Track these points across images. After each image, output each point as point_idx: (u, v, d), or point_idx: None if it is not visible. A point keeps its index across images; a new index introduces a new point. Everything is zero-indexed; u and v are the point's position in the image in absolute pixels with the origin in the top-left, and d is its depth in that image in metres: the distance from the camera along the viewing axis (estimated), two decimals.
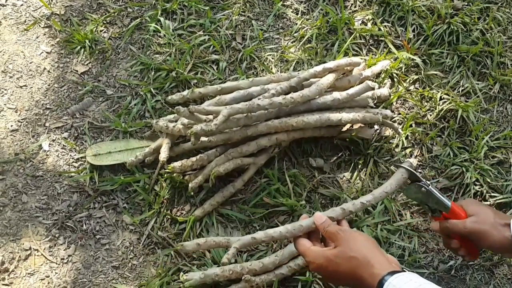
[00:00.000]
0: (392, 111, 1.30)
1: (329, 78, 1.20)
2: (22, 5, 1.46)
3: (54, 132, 1.27)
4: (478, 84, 1.34)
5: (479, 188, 1.20)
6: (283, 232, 0.94)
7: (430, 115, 1.30)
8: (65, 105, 1.31)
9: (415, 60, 1.35)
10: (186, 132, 1.11)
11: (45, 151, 1.24)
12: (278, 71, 1.36)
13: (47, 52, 1.38)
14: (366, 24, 1.43)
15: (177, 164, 1.15)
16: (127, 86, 1.34)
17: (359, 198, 0.99)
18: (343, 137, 1.25)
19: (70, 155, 1.24)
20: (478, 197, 1.19)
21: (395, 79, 1.34)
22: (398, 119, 1.30)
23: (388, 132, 1.27)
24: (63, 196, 1.19)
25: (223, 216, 1.17)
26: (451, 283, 1.11)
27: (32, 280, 1.10)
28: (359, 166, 1.23)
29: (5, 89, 1.32)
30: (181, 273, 1.05)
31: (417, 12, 1.43)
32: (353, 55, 1.37)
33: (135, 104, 1.30)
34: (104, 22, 1.43)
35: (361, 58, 1.32)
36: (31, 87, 1.33)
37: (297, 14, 1.46)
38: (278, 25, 1.44)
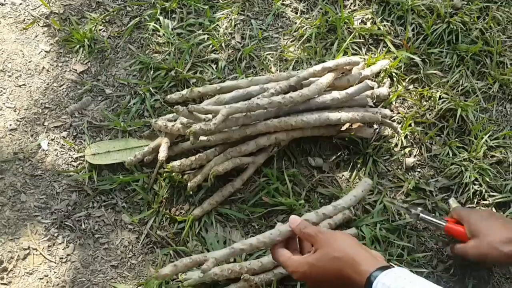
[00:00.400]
0: (391, 111, 1.30)
1: (329, 77, 1.20)
2: (21, 4, 1.46)
3: (53, 131, 1.27)
4: (477, 83, 1.34)
5: (478, 188, 1.20)
6: (260, 239, 0.92)
7: (429, 114, 1.30)
8: (64, 104, 1.30)
9: (415, 59, 1.35)
10: (185, 131, 1.11)
11: (44, 150, 1.24)
12: (277, 70, 1.36)
13: (46, 51, 1.38)
14: (365, 23, 1.43)
15: (176, 163, 1.15)
16: (126, 85, 1.33)
17: (331, 203, 1.01)
18: (342, 137, 1.25)
19: (69, 154, 1.24)
20: (477, 196, 1.19)
21: (394, 79, 1.34)
22: (397, 119, 1.30)
23: (387, 131, 1.27)
24: (62, 196, 1.19)
25: (222, 215, 1.17)
26: (450, 282, 1.11)
27: (31, 280, 1.10)
28: (358, 166, 1.23)
29: (4, 88, 1.32)
30: (180, 273, 1.05)
31: (416, 11, 1.43)
32: (353, 54, 1.37)
33: (134, 103, 1.30)
34: (103, 21, 1.43)
35: (361, 57, 1.32)
36: (30, 86, 1.33)
37: (296, 13, 1.46)
38: (277, 24, 1.44)
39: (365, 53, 1.38)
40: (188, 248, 1.12)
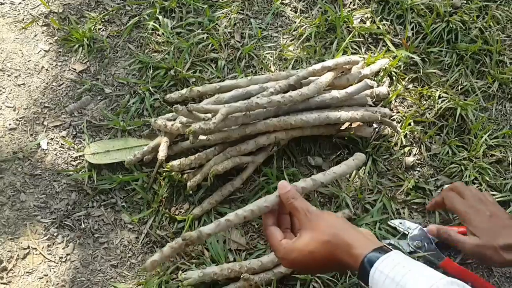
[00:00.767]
0: (391, 110, 1.30)
1: (328, 76, 1.20)
2: (20, 3, 1.46)
3: (52, 131, 1.27)
4: (477, 82, 1.34)
5: (478, 187, 1.20)
6: (247, 208, 0.86)
7: (429, 113, 1.30)
8: (63, 103, 1.30)
9: (414, 58, 1.35)
10: (185, 131, 1.11)
11: (43, 149, 1.24)
12: (276, 69, 1.36)
13: (45, 51, 1.38)
14: (365, 22, 1.43)
15: (175, 162, 1.15)
16: (125, 85, 1.33)
17: (324, 172, 0.92)
18: (341, 136, 1.25)
19: (69, 154, 1.24)
20: None
21: (394, 78, 1.34)
22: (397, 118, 1.30)
23: (387, 130, 1.27)
24: (61, 195, 1.19)
25: (221, 214, 1.17)
26: None
27: (31, 279, 1.09)
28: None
29: (3, 88, 1.32)
30: (180, 272, 1.05)
31: (416, 10, 1.43)
32: (352, 53, 1.37)
33: (133, 103, 1.30)
34: (103, 20, 1.43)
35: (360, 57, 1.32)
36: (29, 86, 1.33)
37: (295, 12, 1.46)
38: (277, 23, 1.44)
39: (365, 52, 1.38)
40: (188, 248, 1.12)
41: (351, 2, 1.47)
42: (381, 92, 1.27)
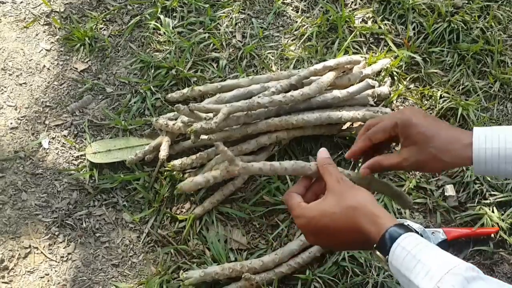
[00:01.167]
0: (392, 110, 1.30)
1: (329, 76, 1.20)
2: (21, 2, 1.46)
3: (53, 130, 1.27)
4: (478, 82, 1.34)
5: (479, 187, 1.20)
6: (289, 169, 0.85)
7: (430, 113, 1.30)
8: (64, 102, 1.30)
9: (415, 58, 1.35)
10: (186, 130, 1.11)
11: (44, 149, 1.24)
12: (278, 69, 1.36)
13: (46, 50, 1.38)
14: (366, 22, 1.43)
15: (177, 162, 1.15)
16: (127, 84, 1.33)
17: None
18: (343, 135, 1.25)
19: (70, 153, 1.24)
20: (478, 195, 1.19)
21: (395, 78, 1.34)
22: None
23: None
24: (62, 194, 1.19)
25: (223, 214, 1.17)
26: None
27: (32, 278, 1.10)
28: (359, 164, 1.23)
29: (5, 87, 1.32)
30: (181, 271, 1.05)
31: (417, 10, 1.43)
32: (353, 53, 1.36)
33: (134, 102, 1.30)
34: (104, 19, 1.43)
35: (361, 56, 1.32)
36: (31, 85, 1.33)
37: (297, 12, 1.46)
38: (278, 23, 1.44)
39: (366, 52, 1.38)
40: (189, 247, 1.12)
41: (352, 2, 1.47)
42: (383, 92, 1.27)
